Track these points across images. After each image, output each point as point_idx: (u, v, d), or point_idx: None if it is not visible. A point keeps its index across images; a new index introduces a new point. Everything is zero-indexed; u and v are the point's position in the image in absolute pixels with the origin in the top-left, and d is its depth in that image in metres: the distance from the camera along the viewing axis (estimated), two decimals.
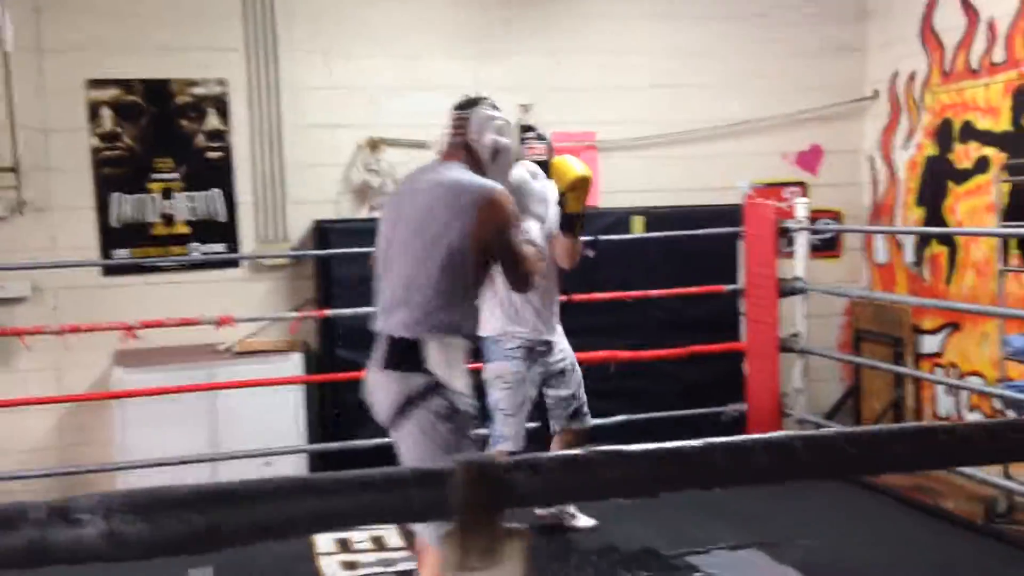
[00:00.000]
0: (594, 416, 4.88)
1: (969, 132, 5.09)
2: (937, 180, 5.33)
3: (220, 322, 4.27)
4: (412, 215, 2.66)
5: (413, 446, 2.59)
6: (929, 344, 5.44)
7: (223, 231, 5.10)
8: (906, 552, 3.83)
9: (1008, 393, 4.20)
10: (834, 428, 1.04)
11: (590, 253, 4.62)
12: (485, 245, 2.63)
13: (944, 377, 5.21)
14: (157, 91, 4.94)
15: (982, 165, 5.01)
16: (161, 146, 4.97)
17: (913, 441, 1.09)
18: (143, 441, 4.61)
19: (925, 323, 5.43)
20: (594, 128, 5.54)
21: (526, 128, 3.87)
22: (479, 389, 3.41)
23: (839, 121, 5.86)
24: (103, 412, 4.75)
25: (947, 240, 5.28)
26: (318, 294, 5.07)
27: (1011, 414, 4.62)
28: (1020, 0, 4.70)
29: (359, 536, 3.96)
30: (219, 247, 5.09)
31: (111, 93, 4.89)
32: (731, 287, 4.98)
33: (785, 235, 4.91)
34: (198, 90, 5.00)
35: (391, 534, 3.98)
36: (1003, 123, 4.86)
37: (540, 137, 3.83)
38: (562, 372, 3.84)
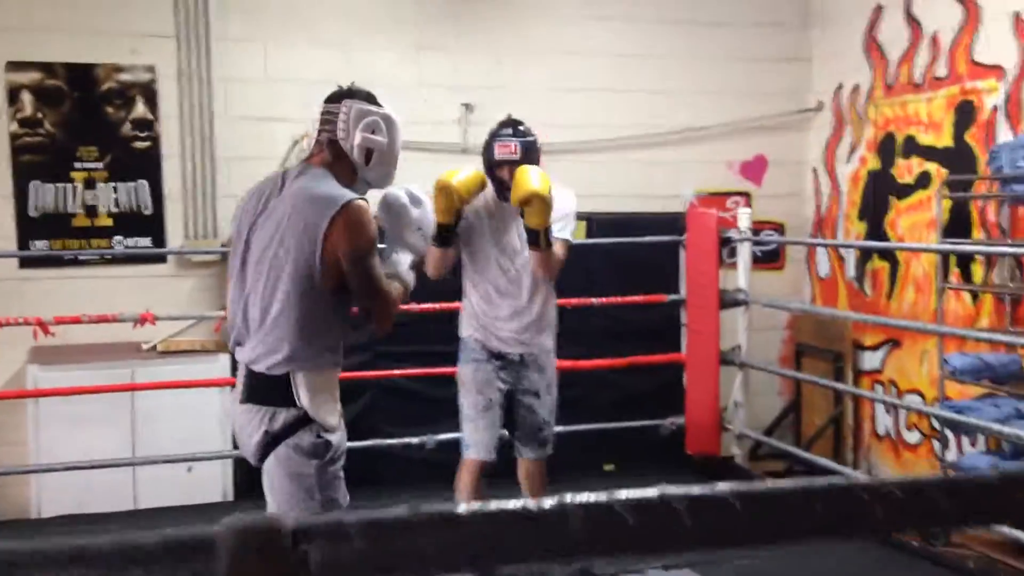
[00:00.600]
0: None
1: (911, 147, 5.17)
2: (879, 194, 5.41)
3: (140, 320, 4.15)
4: (263, 231, 2.46)
5: (278, 488, 2.47)
6: (870, 360, 5.50)
7: (149, 225, 4.97)
8: (838, 571, 3.84)
9: (944, 414, 4.24)
10: (727, 487, 0.85)
11: None
12: (339, 268, 2.40)
13: (883, 395, 5.27)
14: (81, 76, 4.81)
15: (924, 180, 5.09)
16: (84, 134, 4.84)
17: (828, 501, 0.87)
18: (60, 442, 4.49)
19: (866, 339, 5.49)
20: (537, 131, 5.50)
21: (506, 124, 3.57)
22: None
23: (784, 131, 5.92)
24: (17, 411, 4.59)
25: (889, 255, 5.35)
26: None
27: (948, 434, 4.69)
28: (963, 15, 4.78)
29: None
30: (145, 241, 4.96)
31: (32, 76, 4.75)
32: (672, 297, 4.99)
33: (727, 245, 4.92)
34: (125, 76, 4.87)
35: None
36: (945, 138, 4.94)
37: (518, 134, 3.52)
38: (535, 393, 3.63)
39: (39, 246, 4.79)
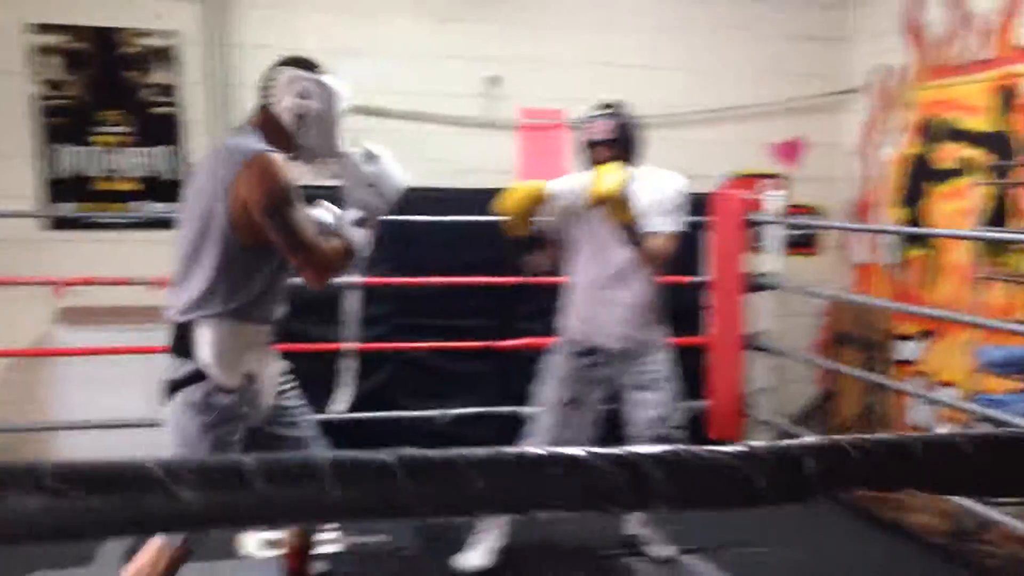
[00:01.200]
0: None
1: (951, 131, 5.06)
2: (918, 180, 5.30)
3: (150, 283, 4.19)
4: (192, 188, 2.58)
5: (169, 436, 2.53)
6: (907, 350, 5.40)
7: (171, 190, 5.00)
8: (855, 570, 3.78)
9: (976, 408, 4.15)
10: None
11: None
12: (252, 220, 2.44)
13: (910, 386, 5.17)
14: (105, 39, 4.84)
15: (963, 166, 4.97)
16: (108, 97, 4.88)
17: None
18: (80, 401, 4.56)
19: (903, 328, 5.39)
20: (564, 106, 5.47)
21: (605, 105, 3.44)
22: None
23: (821, 113, 5.83)
24: (43, 370, 4.68)
25: (927, 242, 5.24)
26: None
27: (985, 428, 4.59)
28: None
29: None
30: (167, 206, 4.99)
31: (58, 39, 4.79)
32: (696, 279, 4.92)
33: (754, 228, 4.86)
34: (148, 41, 4.91)
35: None
36: (985, 123, 4.83)
37: (608, 115, 3.40)
38: (642, 387, 3.49)
39: (64, 209, 4.85)
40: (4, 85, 4.74)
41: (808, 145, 5.87)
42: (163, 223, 4.98)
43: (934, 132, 5.19)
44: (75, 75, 4.83)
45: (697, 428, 5.06)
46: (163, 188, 4.99)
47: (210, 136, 5.00)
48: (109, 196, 4.92)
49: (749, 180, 5.72)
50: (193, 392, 2.49)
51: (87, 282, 4.29)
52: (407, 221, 4.82)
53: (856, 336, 5.57)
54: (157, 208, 4.96)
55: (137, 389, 4.62)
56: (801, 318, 5.67)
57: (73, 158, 4.86)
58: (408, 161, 5.11)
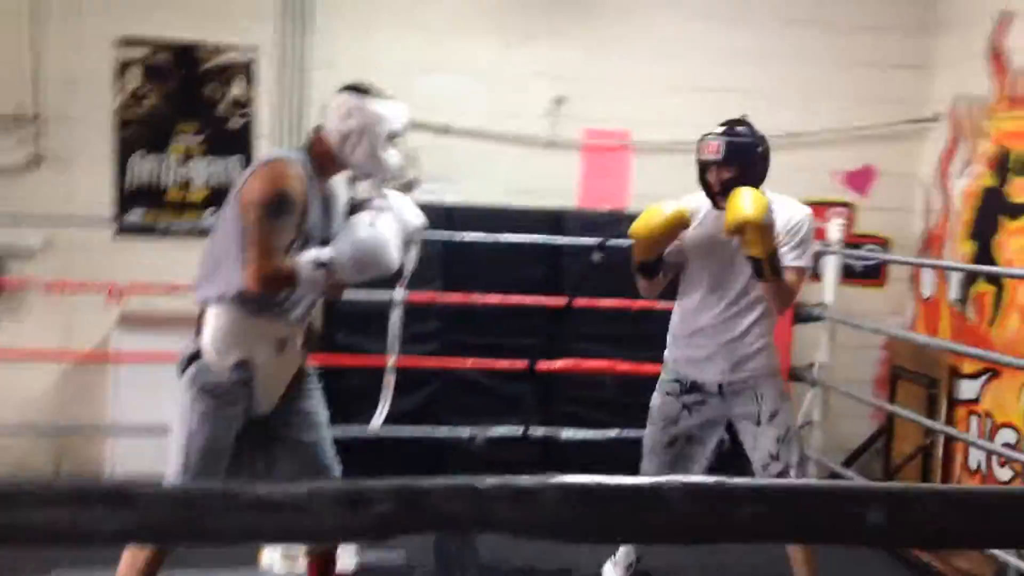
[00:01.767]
0: (589, 427, 4.89)
1: None
2: (991, 213, 5.16)
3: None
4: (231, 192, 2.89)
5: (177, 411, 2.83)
6: (967, 389, 5.27)
7: None
8: None
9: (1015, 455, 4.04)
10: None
11: (596, 257, 4.62)
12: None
13: (967, 431, 5.03)
14: (186, 54, 5.10)
15: None
16: (185, 110, 5.14)
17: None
18: (135, 405, 4.78)
19: (965, 366, 5.25)
20: (630, 127, 5.51)
21: (724, 124, 3.24)
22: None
23: (896, 141, 5.71)
24: (102, 373, 4.94)
25: (994, 279, 5.10)
26: None
27: None
28: None
29: None
30: None
31: (141, 52, 5.07)
32: None
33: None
34: (227, 56, 5.15)
35: None
36: None
37: (728, 133, 3.22)
38: (754, 421, 3.27)
39: (134, 216, 5.12)
40: (90, 96, 5.03)
41: (881, 174, 5.76)
42: None
43: (1011, 165, 5.04)
44: (154, 87, 5.10)
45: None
46: None
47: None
48: (180, 205, 5.17)
49: (817, 208, 5.63)
50: (191, 368, 2.78)
51: (142, 289, 4.52)
52: (458, 239, 4.95)
53: (916, 372, 5.44)
54: None
55: None
56: (860, 351, 5.57)
57: (147, 167, 5.13)
58: (472, 179, 5.33)
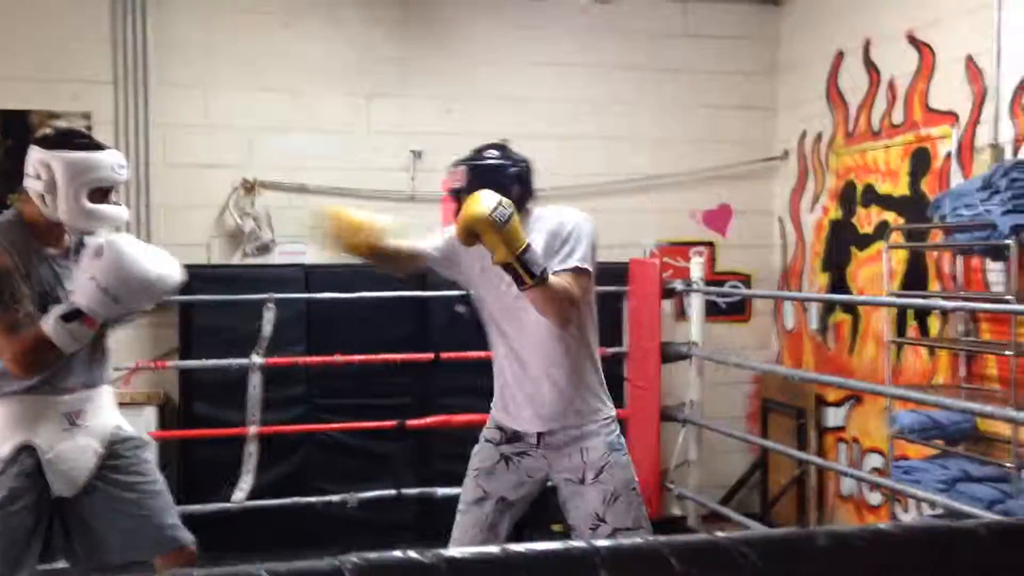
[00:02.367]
0: (457, 484, 4.79)
1: (870, 196, 5.12)
2: (841, 245, 5.35)
3: None
4: None
5: None
6: (833, 417, 5.40)
7: None
8: None
9: (889, 483, 4.14)
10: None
11: (461, 309, 4.56)
12: None
13: (834, 460, 5.16)
14: (16, 122, 4.87)
15: (882, 230, 5.02)
16: (19, 179, 4.88)
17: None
18: None
19: (829, 395, 5.39)
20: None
21: (486, 147, 3.00)
22: None
23: (749, 180, 5.89)
24: None
25: (851, 308, 5.27)
26: (181, 343, 4.96)
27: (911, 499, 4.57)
28: (918, 60, 4.74)
29: None
30: None
31: None
32: (614, 349, 4.92)
33: (671, 296, 4.87)
34: (60, 123, 4.93)
35: None
36: (902, 187, 4.89)
37: (473, 158, 2.93)
38: (574, 480, 2.81)
39: None
40: None
41: (738, 212, 5.92)
42: None
43: (857, 197, 5.24)
44: None
45: None
46: None
47: None
48: None
49: (679, 248, 5.76)
50: None
51: None
52: (318, 299, 4.84)
53: (784, 403, 5.56)
54: None
55: None
56: (731, 387, 5.66)
57: None
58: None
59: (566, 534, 3.37)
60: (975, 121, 4.41)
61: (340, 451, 4.93)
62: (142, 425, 4.67)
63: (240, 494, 3.95)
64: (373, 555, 0.85)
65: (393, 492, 4.71)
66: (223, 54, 5.16)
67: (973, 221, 3.91)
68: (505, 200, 2.58)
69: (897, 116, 4.92)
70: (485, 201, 2.56)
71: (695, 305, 5.05)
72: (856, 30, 5.18)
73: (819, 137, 5.53)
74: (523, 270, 2.56)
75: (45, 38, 4.93)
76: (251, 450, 4.24)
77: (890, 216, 4.97)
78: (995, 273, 4.26)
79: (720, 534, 0.92)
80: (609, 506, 2.77)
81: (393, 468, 4.93)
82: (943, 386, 4.47)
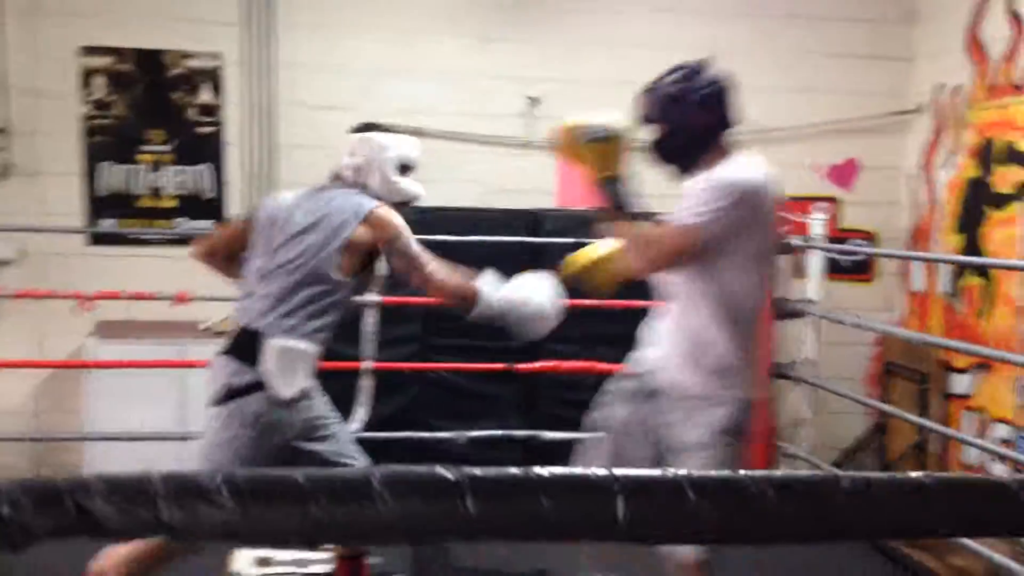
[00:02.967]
0: (570, 428, 4.84)
1: (1010, 154, 4.88)
2: (976, 205, 5.12)
3: (176, 298, 4.36)
4: (298, 218, 3.01)
5: (211, 439, 2.70)
6: (959, 384, 5.21)
7: (211, 208, 5.20)
8: None
9: (1013, 455, 3.99)
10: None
11: None
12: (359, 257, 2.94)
13: (959, 428, 4.97)
14: (151, 61, 5.09)
15: (1020, 191, 4.79)
16: (153, 117, 5.12)
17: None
18: (111, 413, 4.74)
19: (956, 361, 5.20)
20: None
21: (674, 70, 2.88)
22: None
23: (879, 134, 5.68)
24: (77, 381, 4.91)
25: (983, 271, 5.05)
26: None
27: None
28: None
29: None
30: (207, 223, 5.19)
31: (105, 61, 5.05)
32: None
33: (788, 252, 4.76)
34: (192, 63, 5.13)
35: None
36: None
37: (658, 84, 2.84)
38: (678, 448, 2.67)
39: (106, 225, 5.10)
40: (56, 106, 5.02)
41: (865, 167, 5.73)
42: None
43: (993, 155, 5.01)
44: (120, 95, 5.08)
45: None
46: (202, 206, 5.19)
47: (250, 155, 5.19)
48: (151, 213, 5.15)
49: (800, 203, 5.61)
50: (249, 403, 2.67)
51: (110, 296, 4.48)
52: (440, 241, 4.91)
53: (907, 367, 5.39)
54: (195, 225, 5.16)
55: (166, 402, 4.81)
56: (851, 347, 5.52)
57: (117, 176, 5.10)
58: (447, 182, 5.30)
59: None
60: None
61: (451, 390, 5.04)
62: None
63: (356, 424, 4.10)
64: (401, 467, 0.92)
65: (500, 432, 4.80)
66: None
67: None
68: (614, 119, 2.52)
69: None
70: (580, 117, 2.56)
71: (814, 262, 4.93)
72: None
73: (957, 90, 5.28)
74: (608, 198, 2.55)
75: None
76: (366, 384, 4.38)
77: None
78: None
79: (742, 472, 0.93)
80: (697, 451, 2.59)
81: (501, 410, 5.01)
82: None
